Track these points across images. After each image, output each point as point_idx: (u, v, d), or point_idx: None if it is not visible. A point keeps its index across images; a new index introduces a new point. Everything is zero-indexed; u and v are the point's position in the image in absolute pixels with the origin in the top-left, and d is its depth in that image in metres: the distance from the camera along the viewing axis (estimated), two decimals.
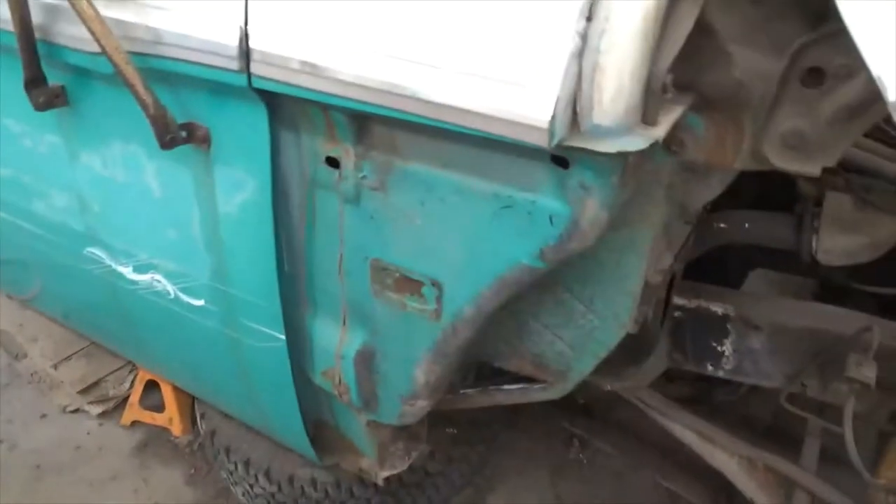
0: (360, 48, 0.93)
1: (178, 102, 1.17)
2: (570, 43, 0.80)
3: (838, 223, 1.46)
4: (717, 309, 1.64)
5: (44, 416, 2.66)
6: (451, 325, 1.15)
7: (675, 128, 0.93)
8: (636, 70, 0.83)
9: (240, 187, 1.21)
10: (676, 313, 1.66)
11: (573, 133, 0.85)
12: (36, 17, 1.20)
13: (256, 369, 1.44)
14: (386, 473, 1.53)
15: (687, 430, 1.90)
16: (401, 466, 1.53)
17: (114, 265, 1.51)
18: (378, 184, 1.10)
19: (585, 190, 0.92)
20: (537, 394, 1.37)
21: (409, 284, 1.16)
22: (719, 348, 1.68)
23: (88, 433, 2.59)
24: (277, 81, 1.01)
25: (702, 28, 0.90)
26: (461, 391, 1.48)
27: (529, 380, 1.39)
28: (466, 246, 1.06)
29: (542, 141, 0.83)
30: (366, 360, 1.30)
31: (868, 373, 1.40)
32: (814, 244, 1.47)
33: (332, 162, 1.13)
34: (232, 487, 2.18)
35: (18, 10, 1.17)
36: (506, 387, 1.42)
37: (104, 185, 1.40)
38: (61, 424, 2.62)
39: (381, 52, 0.91)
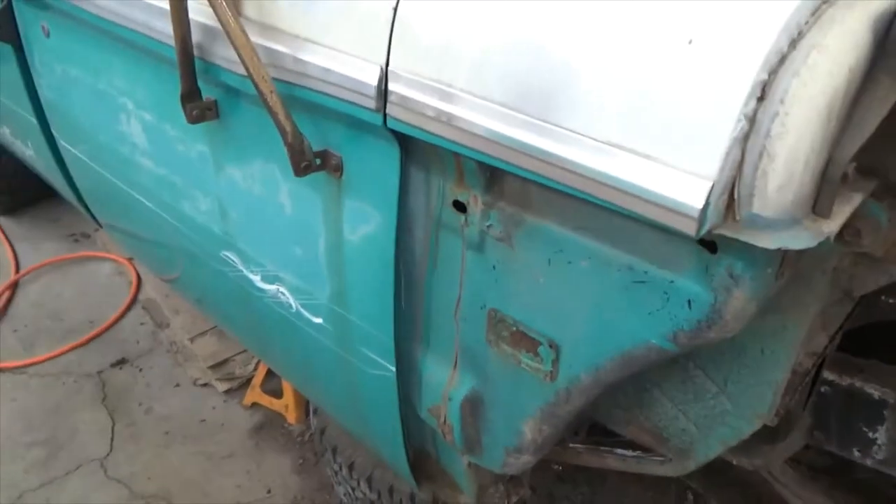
0: (497, 101, 0.87)
1: (315, 129, 1.18)
2: (735, 125, 0.70)
3: None
4: (874, 392, 1.44)
5: (177, 385, 2.87)
6: (566, 390, 1.08)
7: (852, 215, 0.80)
8: (812, 158, 0.72)
9: (366, 219, 1.20)
10: (824, 388, 1.48)
11: (728, 222, 0.75)
12: (196, 36, 1.25)
13: (365, 393, 1.44)
14: None
15: None
16: None
17: (245, 271, 1.56)
18: (504, 235, 1.05)
19: (734, 279, 0.82)
20: (653, 467, 1.27)
21: (526, 341, 1.10)
22: (871, 435, 1.49)
23: (213, 408, 2.76)
24: (411, 125, 0.98)
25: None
26: (570, 445, 1.40)
27: (646, 449, 1.29)
28: (591, 314, 0.99)
29: (689, 229, 0.74)
30: (473, 406, 1.26)
31: None
32: None
33: (459, 206, 1.09)
34: (335, 486, 2.24)
35: (180, 30, 1.22)
36: (620, 451, 1.33)
37: (242, 197, 1.45)
38: (191, 396, 2.81)
39: (521, 110, 0.85)
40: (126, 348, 3.07)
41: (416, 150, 1.08)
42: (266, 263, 1.49)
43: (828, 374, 1.46)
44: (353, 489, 2.10)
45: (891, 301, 1.40)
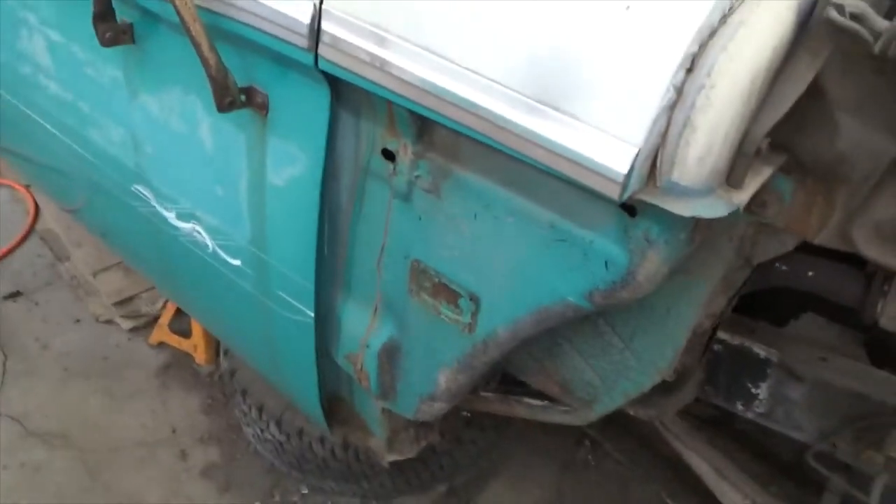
0: (433, 51, 0.86)
1: (241, 63, 1.12)
2: (664, 94, 0.72)
3: None
4: (761, 352, 1.56)
5: (77, 321, 2.74)
6: (483, 342, 1.11)
7: (760, 188, 0.85)
8: (731, 131, 0.76)
9: (291, 161, 1.17)
10: (717, 346, 1.60)
11: (648, 188, 0.78)
12: None
13: (281, 338, 1.43)
14: (393, 458, 1.53)
15: (703, 462, 1.85)
16: (409, 453, 1.53)
17: (158, 207, 1.50)
18: (432, 186, 1.05)
19: (649, 242, 0.86)
20: (559, 416, 1.34)
21: (447, 293, 1.11)
22: (754, 390, 1.62)
23: (117, 346, 2.66)
24: (343, 69, 0.95)
25: (811, 88, 0.81)
26: (481, 393, 1.45)
27: (552, 399, 1.35)
28: (512, 269, 1.01)
29: (612, 193, 0.76)
30: (390, 354, 1.27)
31: None
32: (879, 307, 1.38)
33: (388, 154, 1.08)
34: (244, 427, 2.23)
35: None
36: (527, 400, 1.39)
37: (158, 129, 1.38)
38: (92, 333, 2.69)
39: (455, 60, 0.84)
40: (21, 280, 2.89)
41: (346, 94, 1.06)
42: (182, 200, 1.43)
43: (721, 334, 1.56)
44: (262, 430, 2.10)
45: (783, 268, 1.51)
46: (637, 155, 0.74)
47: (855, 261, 1.45)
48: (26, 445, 2.27)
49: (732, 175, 0.81)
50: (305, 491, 2.22)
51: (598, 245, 0.90)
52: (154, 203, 1.50)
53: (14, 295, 2.82)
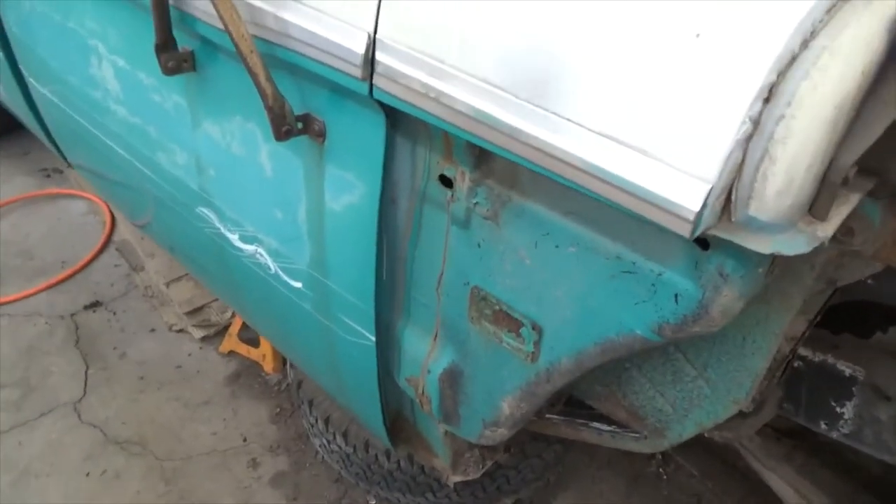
0: (490, 81, 0.83)
1: (298, 91, 1.12)
2: (739, 127, 0.67)
3: None
4: (845, 369, 1.47)
5: (152, 330, 2.84)
6: (546, 372, 1.08)
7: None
8: (815, 163, 0.69)
9: (349, 187, 1.16)
10: (797, 363, 1.51)
11: (722, 223, 0.73)
12: None
13: (344, 360, 1.43)
14: (457, 479, 1.51)
15: (781, 481, 1.76)
16: (473, 474, 1.51)
17: (222, 229, 1.52)
18: (491, 214, 1.02)
19: (723, 277, 0.81)
20: (629, 443, 1.29)
21: (508, 321, 1.08)
22: (839, 409, 1.52)
23: (189, 355, 2.74)
24: (398, 98, 0.93)
25: None
26: (547, 416, 1.41)
27: (622, 424, 1.30)
28: (576, 300, 0.97)
29: (683, 230, 0.71)
30: (452, 379, 1.25)
31: None
32: None
33: (446, 181, 1.05)
34: (311, 437, 2.26)
35: None
36: (595, 425, 1.34)
37: (220, 154, 1.40)
38: (166, 341, 2.79)
39: (513, 91, 0.81)
40: (99, 291, 3.02)
41: (402, 121, 1.04)
42: (244, 224, 1.45)
43: (802, 351, 1.48)
44: (328, 442, 2.13)
45: (870, 282, 1.41)
46: (710, 191, 0.69)
47: None
48: (107, 453, 2.37)
49: (816, 206, 0.74)
50: (373, 502, 2.24)
51: (667, 278, 0.86)
52: (218, 224, 1.53)
53: (94, 305, 2.95)
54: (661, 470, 2.35)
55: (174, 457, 2.36)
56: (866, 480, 2.01)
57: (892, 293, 1.39)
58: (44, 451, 2.37)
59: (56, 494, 2.23)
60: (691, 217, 0.70)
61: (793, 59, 0.65)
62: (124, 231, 3.27)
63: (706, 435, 1.52)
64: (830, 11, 0.66)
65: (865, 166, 0.79)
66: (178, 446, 2.40)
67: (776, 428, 1.91)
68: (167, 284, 2.93)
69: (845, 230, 0.86)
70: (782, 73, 0.65)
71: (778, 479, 1.74)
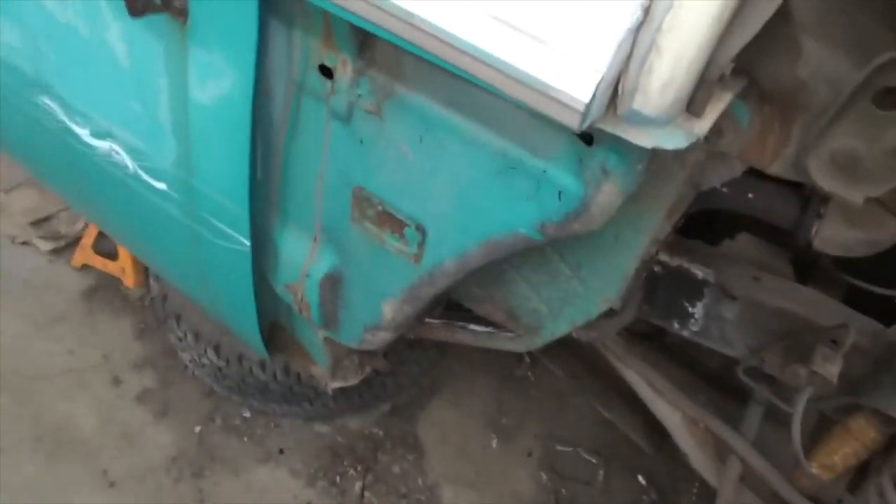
0: None
1: None
2: (631, 16, 0.66)
3: (843, 215, 1.40)
4: (698, 272, 1.59)
5: None
6: (429, 273, 1.07)
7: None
8: (697, 56, 0.70)
9: (217, 74, 1.06)
10: (656, 267, 1.61)
11: (608, 116, 0.73)
12: None
13: (216, 266, 1.35)
14: (337, 384, 1.51)
15: (637, 376, 1.91)
16: (353, 380, 1.51)
17: (68, 122, 1.36)
18: (374, 107, 0.97)
19: (605, 173, 0.82)
20: (504, 342, 1.33)
21: (392, 222, 1.06)
22: (690, 309, 1.65)
23: (36, 269, 2.50)
24: None
25: (778, 10, 0.76)
26: (426, 321, 1.43)
27: (497, 325, 1.34)
28: (460, 198, 0.96)
29: (572, 121, 0.71)
30: (332, 284, 1.22)
31: (833, 370, 1.39)
32: (814, 230, 1.41)
33: (326, 71, 0.98)
34: (180, 352, 2.16)
35: None
36: (472, 327, 1.37)
37: (62, 34, 1.22)
38: (8, 255, 2.52)
39: None
40: None
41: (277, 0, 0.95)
42: (95, 116, 1.30)
43: (661, 255, 1.58)
44: (199, 356, 2.05)
45: (724, 190, 1.51)
46: (600, 81, 0.68)
47: (788, 183, 1.47)
48: None
49: (694, 102, 0.76)
50: (247, 414, 2.20)
51: (551, 175, 0.86)
52: (63, 117, 1.36)
53: None
54: (528, 373, 2.49)
55: (24, 377, 2.18)
56: (707, 375, 2.24)
57: (742, 200, 1.50)
58: None
59: None
60: (581, 108, 0.69)
61: None
62: None
63: (574, 335, 1.62)
64: None
65: (738, 67, 0.82)
66: (28, 366, 2.21)
67: (632, 332, 2.06)
68: (7, 192, 2.63)
69: (716, 130, 0.89)
70: None
71: (634, 375, 1.88)
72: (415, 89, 0.93)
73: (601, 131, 0.75)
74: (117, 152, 1.31)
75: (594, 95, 0.69)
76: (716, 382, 2.21)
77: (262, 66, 1.02)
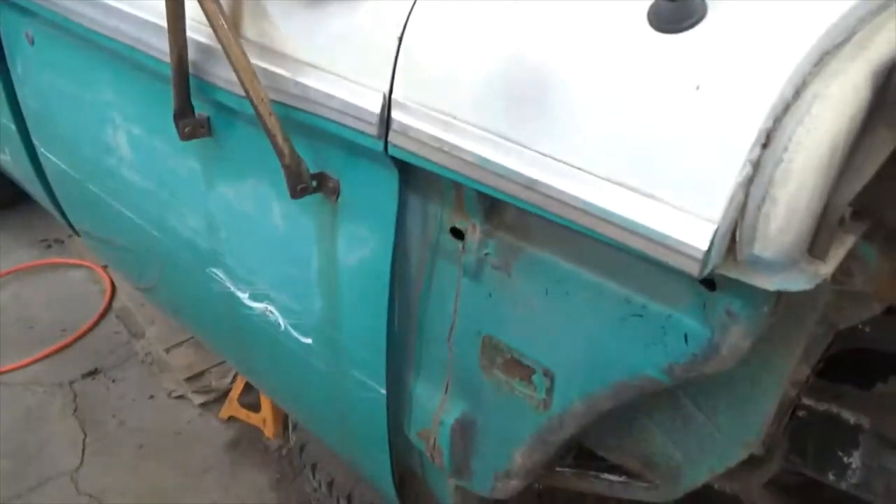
0: (500, 133, 0.88)
1: (312, 150, 1.17)
2: (740, 171, 0.72)
3: None
4: (850, 418, 1.48)
5: (151, 397, 2.82)
6: (559, 418, 1.09)
7: (844, 256, 0.82)
8: (813, 203, 0.74)
9: (362, 242, 1.20)
10: (801, 413, 1.52)
11: (728, 262, 0.77)
12: (192, 54, 1.24)
13: (354, 414, 1.43)
14: None
15: None
16: None
17: (232, 288, 1.55)
18: (501, 264, 1.05)
19: (731, 316, 0.84)
20: (640, 493, 1.28)
21: (520, 369, 1.10)
22: (846, 459, 1.52)
23: (189, 421, 2.71)
24: (412, 153, 0.98)
25: (893, 153, 0.79)
26: (557, 469, 1.41)
27: (633, 474, 1.30)
28: (587, 345, 1.00)
29: (692, 269, 0.75)
30: (464, 431, 1.26)
31: None
32: None
33: (457, 233, 1.09)
34: (314, 503, 2.21)
35: (177, 48, 1.21)
36: (607, 476, 1.34)
37: (233, 215, 1.44)
38: (166, 408, 2.76)
39: (523, 142, 0.86)
40: (99, 358, 3.01)
41: (415, 177, 1.09)
42: (255, 282, 1.48)
43: (805, 400, 1.49)
44: None
45: (867, 330, 1.44)
46: (716, 231, 0.73)
47: None
48: None
49: (815, 246, 0.78)
50: None
51: (676, 319, 0.89)
52: (228, 284, 1.55)
53: (93, 373, 2.93)
54: None
55: None
56: None
57: (888, 340, 1.42)
58: None
59: None
60: (700, 256, 0.74)
61: (787, 106, 0.71)
62: (124, 299, 3.28)
63: (716, 487, 1.52)
64: (819, 63, 0.72)
65: (860, 209, 0.83)
66: None
67: (785, 485, 1.90)
68: (167, 350, 2.93)
69: (845, 271, 0.90)
70: (778, 119, 0.71)
71: None
72: (540, 247, 1.00)
73: (723, 276, 0.78)
74: (271, 312, 1.47)
75: (711, 244, 0.73)
76: None
77: (402, 233, 1.15)
